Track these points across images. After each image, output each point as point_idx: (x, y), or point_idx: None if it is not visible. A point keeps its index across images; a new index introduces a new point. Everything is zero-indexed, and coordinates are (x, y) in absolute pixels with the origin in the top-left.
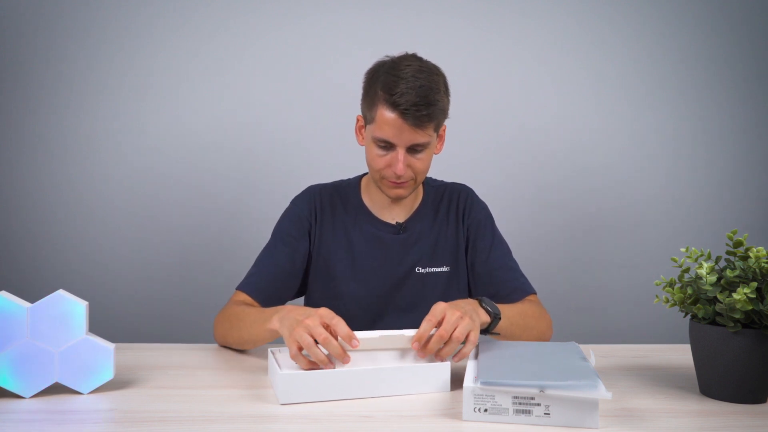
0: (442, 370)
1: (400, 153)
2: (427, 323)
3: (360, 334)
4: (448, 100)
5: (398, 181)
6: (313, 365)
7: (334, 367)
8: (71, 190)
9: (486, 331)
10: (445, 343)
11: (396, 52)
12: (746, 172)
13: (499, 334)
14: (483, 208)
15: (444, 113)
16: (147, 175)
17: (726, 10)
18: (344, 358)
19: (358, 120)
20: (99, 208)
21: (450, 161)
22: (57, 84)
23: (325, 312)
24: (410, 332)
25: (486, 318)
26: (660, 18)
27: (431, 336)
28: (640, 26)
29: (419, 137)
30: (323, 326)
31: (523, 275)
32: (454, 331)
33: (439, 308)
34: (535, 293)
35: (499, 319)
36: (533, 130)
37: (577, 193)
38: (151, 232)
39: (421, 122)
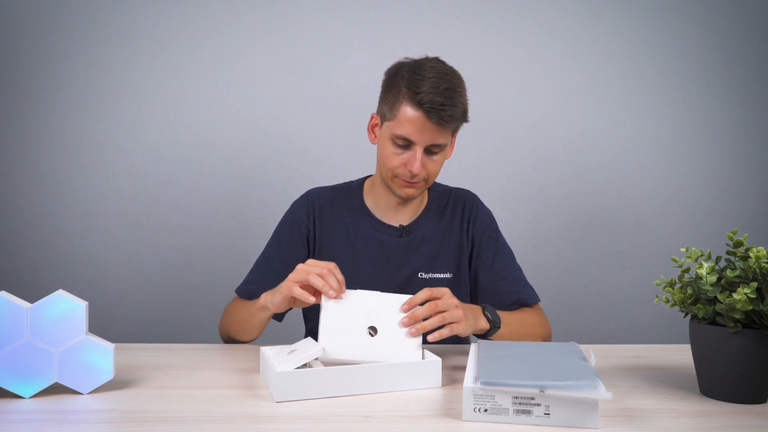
0: (434, 366)
1: (418, 152)
2: (424, 292)
3: (358, 292)
4: (467, 105)
5: (411, 181)
6: (317, 293)
7: (337, 295)
8: (71, 190)
9: (484, 337)
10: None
11: (398, 54)
12: (746, 172)
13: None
14: (488, 216)
15: (464, 116)
16: (147, 176)
17: (726, 9)
18: (342, 289)
19: (372, 117)
20: (99, 209)
21: (449, 162)
22: (57, 84)
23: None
24: (406, 297)
25: (485, 325)
26: (659, 18)
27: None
28: (639, 26)
29: (439, 137)
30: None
31: (527, 285)
32: (443, 312)
33: (443, 289)
34: (538, 302)
35: (498, 327)
36: (533, 131)
37: (577, 193)
38: (152, 233)
39: (444, 122)
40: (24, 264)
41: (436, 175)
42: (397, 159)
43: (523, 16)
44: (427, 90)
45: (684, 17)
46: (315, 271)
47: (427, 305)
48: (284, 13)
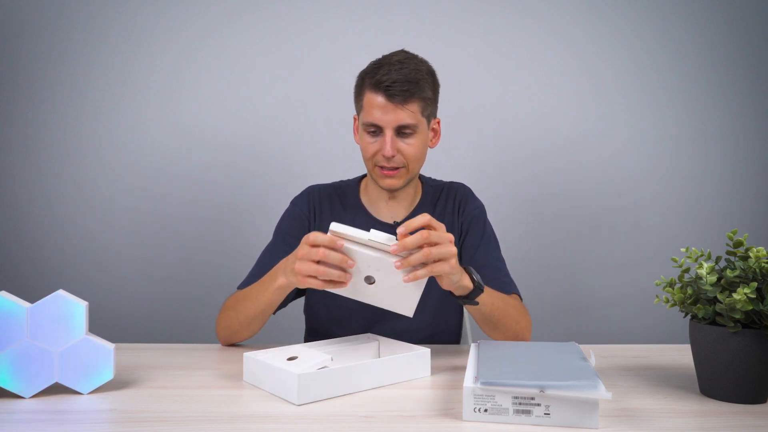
0: (424, 356)
1: (388, 134)
2: (420, 235)
3: (348, 230)
4: (435, 87)
5: (389, 166)
6: (328, 284)
7: (346, 283)
8: (71, 190)
9: (466, 299)
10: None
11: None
12: (746, 172)
13: (477, 303)
14: (477, 206)
15: (428, 94)
16: (147, 176)
17: (726, 9)
18: (348, 262)
19: (354, 120)
20: (99, 208)
21: (448, 160)
22: (57, 84)
23: (304, 243)
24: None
25: (468, 283)
26: (659, 16)
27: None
28: (638, 24)
29: (404, 116)
30: (314, 248)
31: (507, 275)
32: (434, 245)
33: (444, 235)
34: (516, 294)
35: (482, 290)
36: (532, 130)
37: (576, 192)
38: (152, 233)
39: (404, 98)
40: (24, 264)
41: (416, 161)
42: (372, 147)
43: (523, 16)
44: (385, 72)
45: (684, 17)
46: (314, 256)
47: (421, 253)
48: (284, 13)
